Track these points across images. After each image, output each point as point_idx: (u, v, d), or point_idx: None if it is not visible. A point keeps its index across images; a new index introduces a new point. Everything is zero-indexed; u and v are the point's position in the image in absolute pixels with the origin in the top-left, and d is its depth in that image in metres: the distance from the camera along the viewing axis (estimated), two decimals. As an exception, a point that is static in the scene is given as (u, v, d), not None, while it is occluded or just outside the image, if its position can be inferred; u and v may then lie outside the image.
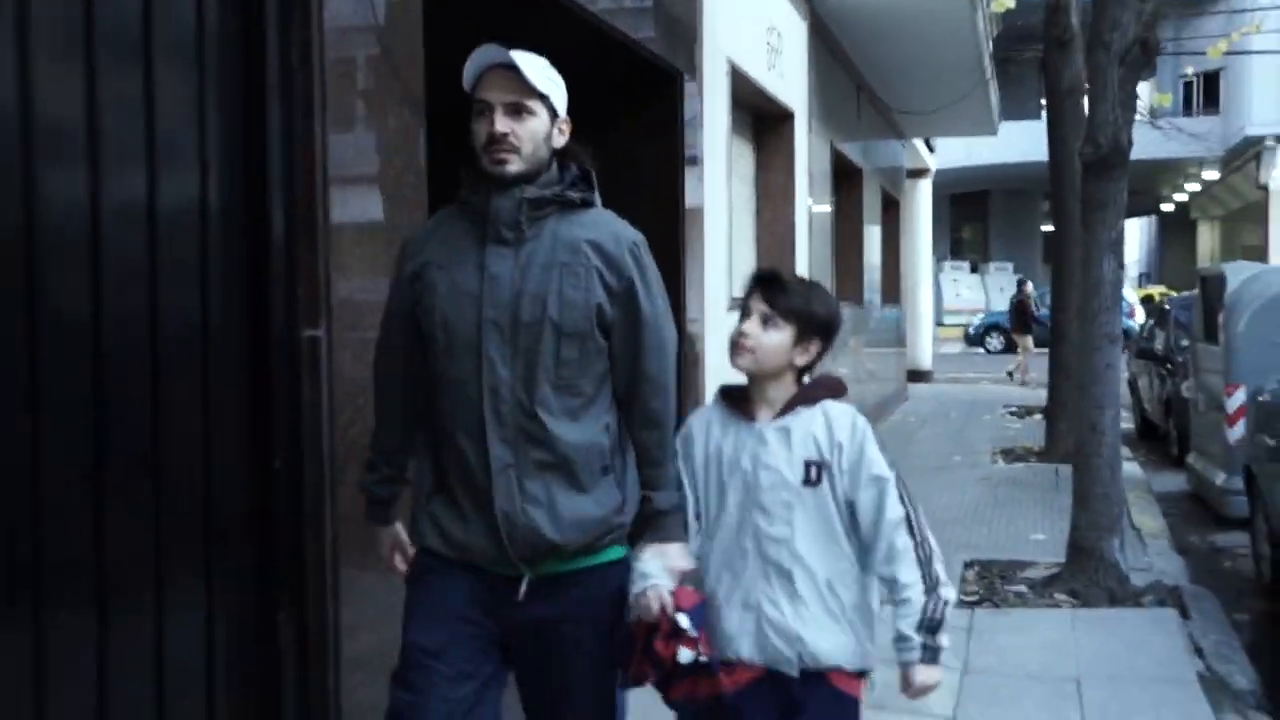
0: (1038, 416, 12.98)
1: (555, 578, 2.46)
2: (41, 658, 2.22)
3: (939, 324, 28.08)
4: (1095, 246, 6.23)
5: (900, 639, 2.48)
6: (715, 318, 6.32)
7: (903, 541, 2.48)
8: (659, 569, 2.47)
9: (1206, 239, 46.93)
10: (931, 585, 2.46)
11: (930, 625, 2.46)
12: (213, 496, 2.67)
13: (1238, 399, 8.13)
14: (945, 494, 8.86)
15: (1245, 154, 32.59)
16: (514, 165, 2.40)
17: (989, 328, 30.60)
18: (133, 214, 2.45)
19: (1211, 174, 37.14)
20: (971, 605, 5.80)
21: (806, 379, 2.63)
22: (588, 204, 2.51)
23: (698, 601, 2.47)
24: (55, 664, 2.24)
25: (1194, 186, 40.68)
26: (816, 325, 2.56)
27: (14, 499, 2.18)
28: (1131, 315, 24.58)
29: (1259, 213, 33.49)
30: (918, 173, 18.83)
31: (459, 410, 2.43)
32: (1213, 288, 9.41)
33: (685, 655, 2.41)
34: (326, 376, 2.87)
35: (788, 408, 2.56)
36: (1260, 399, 7.02)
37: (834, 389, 2.62)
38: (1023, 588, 6.13)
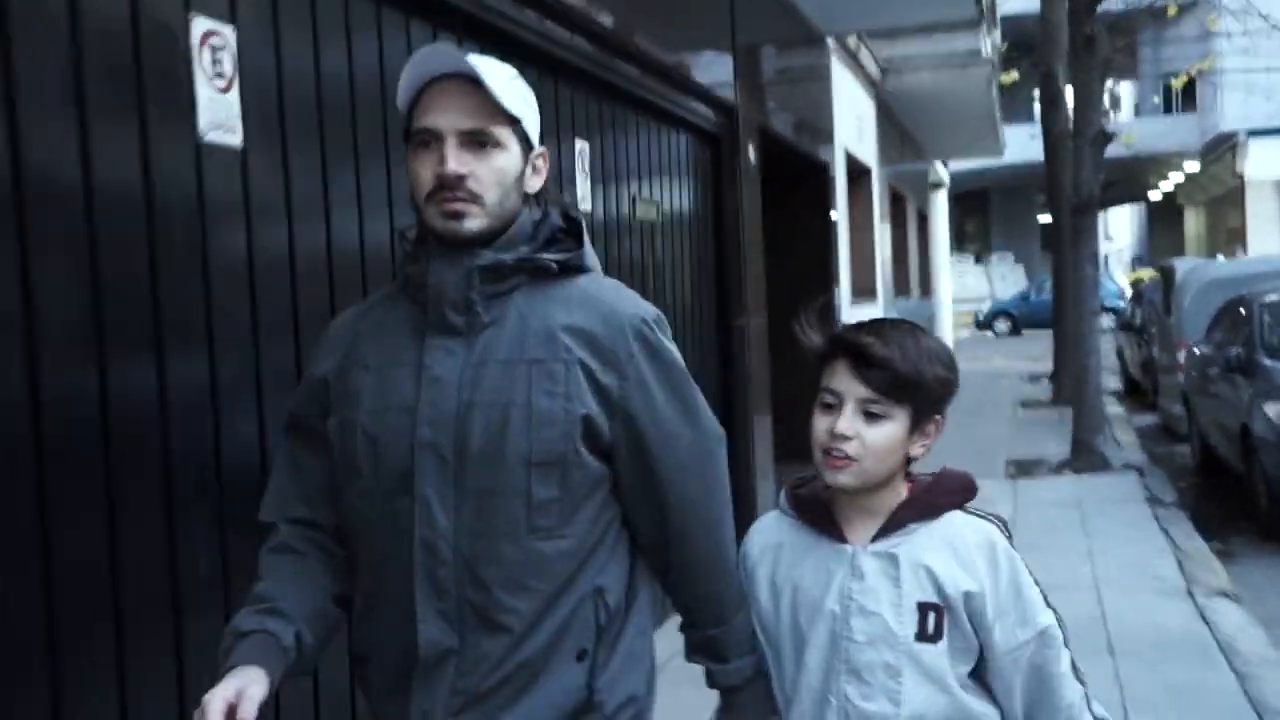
0: (1043, 381, 16.76)
1: None
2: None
3: (950, 311, 31.87)
4: (1080, 258, 10.01)
5: None
6: (844, 307, 10.05)
7: None
8: None
9: (1193, 223, 50.45)
10: None
11: None
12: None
13: (1185, 353, 11.84)
14: (985, 428, 12.65)
15: (1221, 147, 36.17)
16: (474, 220, 1.65)
17: (996, 313, 34.41)
18: (676, 260, 6.15)
19: (1193, 165, 40.77)
20: (1013, 478, 9.56)
21: (915, 471, 1.82)
22: (573, 269, 1.73)
23: None
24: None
25: (1178, 177, 44.23)
26: (940, 395, 1.75)
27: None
28: (1122, 297, 28.35)
29: (1238, 198, 37.01)
30: (936, 185, 22.57)
31: (385, 574, 1.69)
32: (1168, 276, 13.16)
33: None
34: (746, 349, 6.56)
35: (895, 522, 1.74)
36: (1193, 350, 10.74)
37: (962, 492, 1.80)
38: (1044, 470, 9.90)
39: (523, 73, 1.83)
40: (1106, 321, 16.04)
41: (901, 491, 1.79)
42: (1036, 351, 21.73)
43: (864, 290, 11.70)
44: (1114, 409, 13.56)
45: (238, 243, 2.57)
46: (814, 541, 1.81)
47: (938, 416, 1.78)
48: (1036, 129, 18.74)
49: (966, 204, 47.81)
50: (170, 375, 2.33)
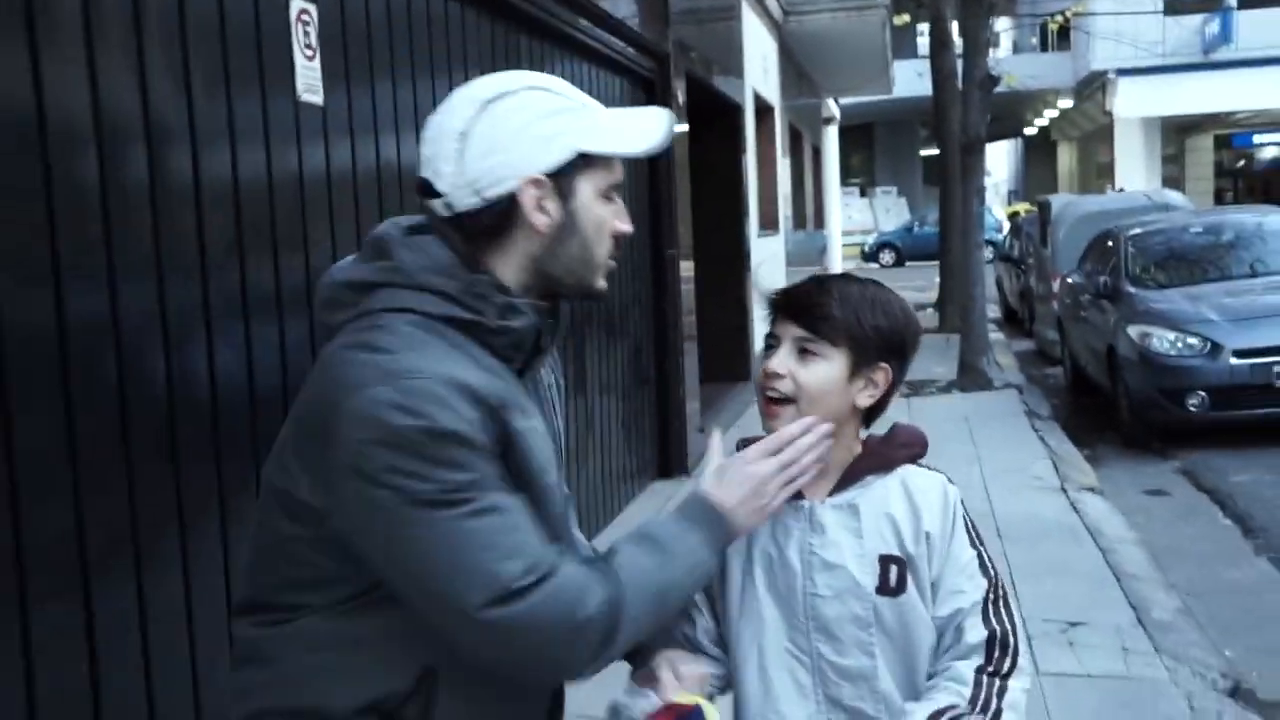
0: (929, 310, 17.80)
1: None
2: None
3: (837, 244, 32.98)
4: (968, 193, 10.88)
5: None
6: (752, 238, 10.78)
7: (970, 673, 1.66)
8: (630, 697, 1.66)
9: (1065, 158, 52.44)
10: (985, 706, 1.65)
11: None
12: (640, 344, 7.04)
13: (1059, 283, 12.86)
14: (877, 353, 13.60)
15: (1093, 85, 37.77)
16: None
17: (882, 245, 35.72)
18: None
19: (1066, 102, 42.43)
20: (907, 397, 10.46)
21: (868, 430, 1.78)
22: None
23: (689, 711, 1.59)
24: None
25: (1053, 113, 45.93)
26: (882, 343, 1.72)
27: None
28: (1000, 230, 29.76)
29: (1107, 135, 38.75)
30: (828, 121, 23.38)
31: None
32: (1045, 210, 14.19)
33: None
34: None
35: (852, 475, 1.74)
36: (1066, 280, 11.74)
37: (915, 446, 1.79)
38: (933, 389, 10.82)
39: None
40: (985, 253, 17.19)
41: (855, 448, 1.77)
42: (920, 282, 22.81)
43: (769, 223, 12.44)
44: (994, 335, 14.58)
45: (320, 172, 3.15)
46: None
47: (884, 365, 1.73)
48: (922, 65, 19.73)
49: (852, 138, 48.68)
50: (289, 274, 2.90)
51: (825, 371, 1.69)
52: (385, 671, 1.47)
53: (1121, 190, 26.53)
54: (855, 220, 43.09)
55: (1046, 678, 4.17)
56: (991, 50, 11.08)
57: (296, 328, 2.95)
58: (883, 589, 1.68)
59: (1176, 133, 40.92)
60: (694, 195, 8.29)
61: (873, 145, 50.23)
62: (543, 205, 1.52)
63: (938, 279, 16.95)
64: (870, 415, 1.78)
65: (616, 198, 1.60)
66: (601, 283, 1.60)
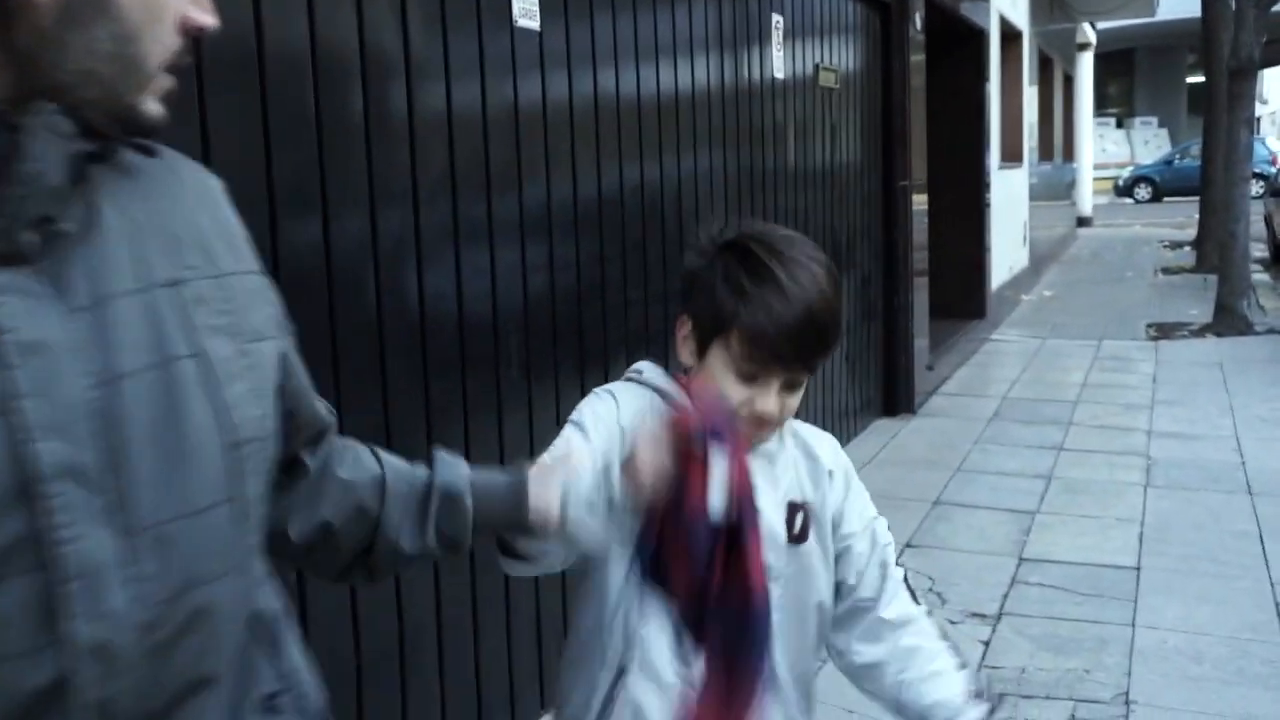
0: (1185, 248, 16.68)
1: None
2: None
3: (1091, 177, 31.17)
4: (1236, 122, 10.07)
5: None
6: (993, 171, 10.33)
7: (912, 608, 1.63)
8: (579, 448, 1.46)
9: (1352, 86, 48.16)
10: (957, 655, 1.61)
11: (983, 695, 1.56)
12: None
13: (1341, 220, 11.82)
14: (1126, 293, 12.84)
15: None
16: None
17: (1137, 179, 33.62)
18: (850, 122, 6.57)
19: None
20: (1155, 340, 9.85)
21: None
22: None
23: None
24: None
25: (1340, 35, 42.13)
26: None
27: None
28: (1274, 163, 27.50)
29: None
30: (1083, 46, 22.05)
31: None
32: (1324, 142, 12.98)
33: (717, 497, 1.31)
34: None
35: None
36: (1347, 215, 10.76)
37: None
38: (1185, 333, 10.16)
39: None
40: (1254, 187, 15.83)
41: None
42: (1178, 218, 21.45)
43: (1012, 155, 11.88)
44: (1259, 276, 13.54)
45: (536, 96, 3.16)
46: None
47: None
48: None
49: (1110, 65, 45.90)
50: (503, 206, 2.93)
51: (798, 398, 1.57)
52: None
53: None
54: (1109, 153, 40.76)
55: (1295, 645, 3.87)
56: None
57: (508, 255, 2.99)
58: (791, 537, 1.57)
59: None
60: (931, 126, 7.96)
61: (1133, 73, 47.27)
62: None
63: (1197, 215, 15.87)
64: None
65: None
66: (152, 105, 0.96)
